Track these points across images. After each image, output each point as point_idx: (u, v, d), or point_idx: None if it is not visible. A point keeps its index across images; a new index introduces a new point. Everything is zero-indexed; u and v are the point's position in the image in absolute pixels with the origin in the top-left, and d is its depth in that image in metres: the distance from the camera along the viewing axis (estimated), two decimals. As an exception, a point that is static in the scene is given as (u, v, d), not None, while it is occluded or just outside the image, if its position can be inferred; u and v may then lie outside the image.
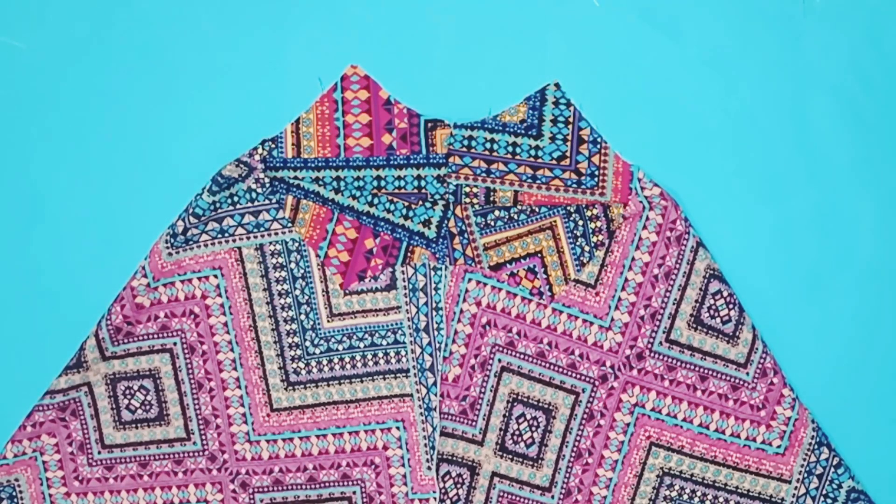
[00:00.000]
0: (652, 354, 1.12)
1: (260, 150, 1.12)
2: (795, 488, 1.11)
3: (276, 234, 1.12)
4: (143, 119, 1.14)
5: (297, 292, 1.12)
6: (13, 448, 1.11)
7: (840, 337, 1.14)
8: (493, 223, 1.12)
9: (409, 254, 1.12)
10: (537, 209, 1.12)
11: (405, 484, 1.12)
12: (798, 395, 1.12)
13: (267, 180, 1.12)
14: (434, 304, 1.12)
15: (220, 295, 1.12)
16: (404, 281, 1.12)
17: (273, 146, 1.12)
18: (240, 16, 1.14)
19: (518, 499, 1.12)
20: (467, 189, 1.13)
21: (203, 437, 1.12)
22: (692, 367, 1.12)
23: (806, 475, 1.11)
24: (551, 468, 1.12)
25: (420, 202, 1.12)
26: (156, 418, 1.12)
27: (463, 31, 1.14)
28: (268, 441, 1.12)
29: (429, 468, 1.12)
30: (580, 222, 1.12)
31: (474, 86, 1.14)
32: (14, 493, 1.11)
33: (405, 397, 1.12)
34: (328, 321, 1.12)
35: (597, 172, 1.12)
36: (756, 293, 1.13)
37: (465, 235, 1.12)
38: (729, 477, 1.12)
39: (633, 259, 1.12)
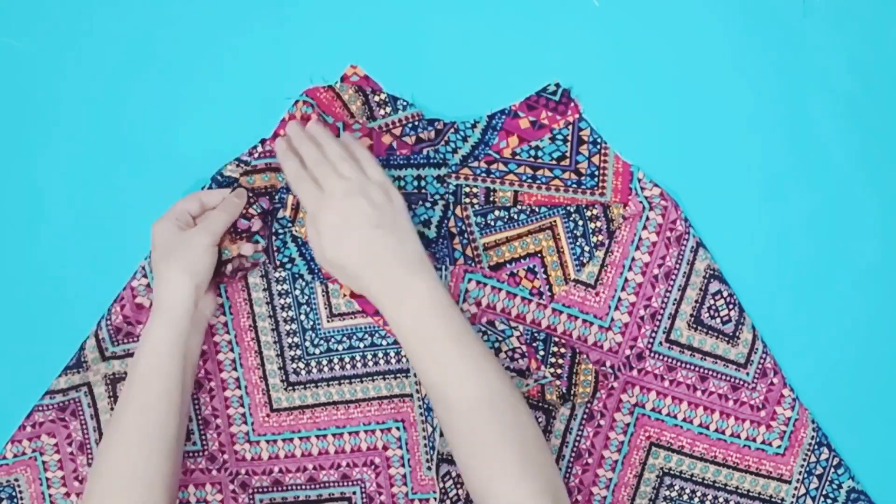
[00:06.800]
0: (652, 354, 1.12)
1: (260, 150, 1.12)
2: (795, 488, 1.11)
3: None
4: (142, 119, 1.14)
5: (297, 292, 1.12)
6: (13, 448, 1.11)
7: (840, 337, 1.14)
8: (493, 223, 1.12)
9: (409, 254, 1.12)
10: (537, 209, 1.12)
11: (405, 484, 1.12)
12: (798, 395, 1.12)
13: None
14: (434, 304, 1.12)
15: (219, 295, 1.12)
16: (404, 281, 1.12)
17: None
18: (239, 15, 1.14)
19: (518, 499, 1.11)
20: (467, 189, 1.13)
21: (203, 437, 1.12)
22: (692, 367, 1.12)
23: (806, 475, 1.11)
24: (551, 468, 1.12)
25: (420, 202, 1.12)
26: (156, 418, 1.12)
27: (463, 31, 1.14)
28: (267, 441, 1.12)
29: (429, 468, 1.12)
30: (580, 222, 1.12)
31: (474, 86, 1.14)
32: (14, 493, 1.11)
33: (405, 397, 1.12)
34: (328, 321, 1.12)
35: (597, 172, 1.12)
36: (756, 293, 1.13)
37: (465, 235, 1.12)
38: (729, 477, 1.12)
39: (633, 259, 1.12)
